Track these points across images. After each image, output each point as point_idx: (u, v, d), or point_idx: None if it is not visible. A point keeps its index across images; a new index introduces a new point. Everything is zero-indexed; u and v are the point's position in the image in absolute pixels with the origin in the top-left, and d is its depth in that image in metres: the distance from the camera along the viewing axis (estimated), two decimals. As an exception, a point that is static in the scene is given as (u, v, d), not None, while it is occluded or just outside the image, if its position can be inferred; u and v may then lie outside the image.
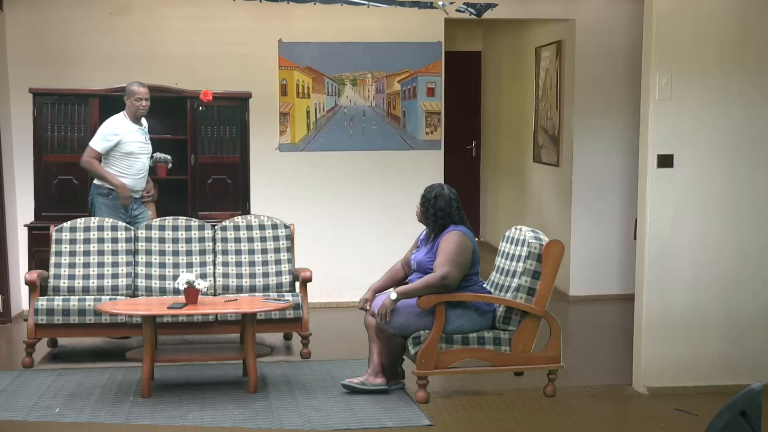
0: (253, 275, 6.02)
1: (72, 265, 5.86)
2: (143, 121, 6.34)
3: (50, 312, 5.60)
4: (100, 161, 6.20)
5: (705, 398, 4.99)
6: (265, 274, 6.03)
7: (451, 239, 4.91)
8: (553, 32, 8.22)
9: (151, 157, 6.48)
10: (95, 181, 6.27)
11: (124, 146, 6.17)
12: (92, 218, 6.07)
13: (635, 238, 5.35)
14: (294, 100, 7.56)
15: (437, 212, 4.98)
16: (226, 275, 6.01)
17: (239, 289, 5.96)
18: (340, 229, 7.65)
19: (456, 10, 7.50)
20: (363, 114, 7.67)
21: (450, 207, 4.99)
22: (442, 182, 5.27)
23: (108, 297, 5.76)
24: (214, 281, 5.99)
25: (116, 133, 6.15)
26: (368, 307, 5.07)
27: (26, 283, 5.71)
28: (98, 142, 6.15)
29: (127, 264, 5.93)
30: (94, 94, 6.56)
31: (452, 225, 4.97)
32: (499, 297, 5.07)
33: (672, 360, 5.17)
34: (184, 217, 6.18)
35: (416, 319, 4.88)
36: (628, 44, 7.56)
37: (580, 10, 7.70)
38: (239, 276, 6.01)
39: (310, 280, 5.90)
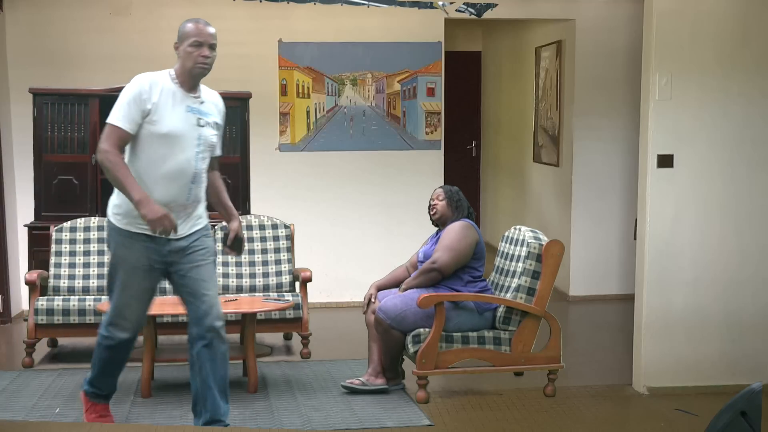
0: (253, 275, 6.02)
1: (72, 265, 5.86)
2: (204, 89, 4.17)
3: (50, 312, 5.60)
4: (124, 153, 3.99)
5: (705, 398, 4.99)
6: (265, 274, 6.03)
7: (454, 228, 5.04)
8: (553, 32, 8.22)
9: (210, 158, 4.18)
10: (111, 199, 4.09)
11: (158, 122, 3.96)
12: (92, 218, 6.07)
13: (635, 238, 5.35)
14: (294, 100, 7.56)
15: (462, 201, 5.16)
16: (226, 275, 6.01)
17: (239, 289, 5.97)
18: (340, 229, 7.65)
19: (456, 10, 7.50)
20: (363, 114, 7.67)
21: (466, 200, 5.22)
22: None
23: (108, 297, 5.75)
24: (214, 281, 5.99)
25: (146, 93, 3.96)
26: (373, 300, 5.10)
27: (26, 283, 5.71)
28: (120, 112, 3.93)
29: (127, 264, 5.93)
30: (94, 94, 6.55)
31: (463, 219, 5.08)
32: (499, 297, 5.07)
33: (672, 360, 5.17)
34: (184, 217, 6.18)
35: (414, 312, 4.87)
36: (628, 44, 7.57)
37: (580, 10, 7.70)
38: (239, 276, 6.01)
39: (310, 280, 5.90)
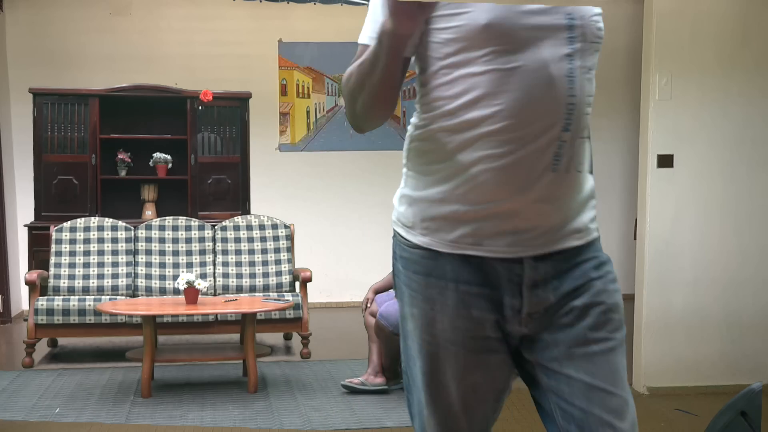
0: (253, 275, 6.02)
1: (72, 265, 5.86)
2: None
3: (50, 312, 5.60)
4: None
5: (705, 398, 4.99)
6: (265, 274, 6.04)
7: None
8: (553, 32, 8.21)
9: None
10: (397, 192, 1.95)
11: (454, 37, 1.75)
12: (92, 218, 6.06)
13: (635, 238, 5.35)
14: (294, 100, 7.56)
15: None
16: (226, 275, 6.01)
17: (239, 289, 5.97)
18: (340, 229, 7.65)
19: (456, 10, 7.49)
20: (363, 114, 7.66)
21: None
22: None
23: (108, 297, 5.76)
24: (214, 281, 5.99)
25: None
26: (369, 304, 5.09)
27: (26, 283, 5.71)
28: (366, 28, 1.98)
29: (127, 264, 5.93)
30: (94, 94, 6.56)
31: None
32: (499, 297, 5.06)
33: (672, 360, 5.17)
34: (184, 217, 6.19)
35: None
36: (628, 44, 7.56)
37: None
38: (239, 276, 6.02)
39: (310, 280, 5.91)
